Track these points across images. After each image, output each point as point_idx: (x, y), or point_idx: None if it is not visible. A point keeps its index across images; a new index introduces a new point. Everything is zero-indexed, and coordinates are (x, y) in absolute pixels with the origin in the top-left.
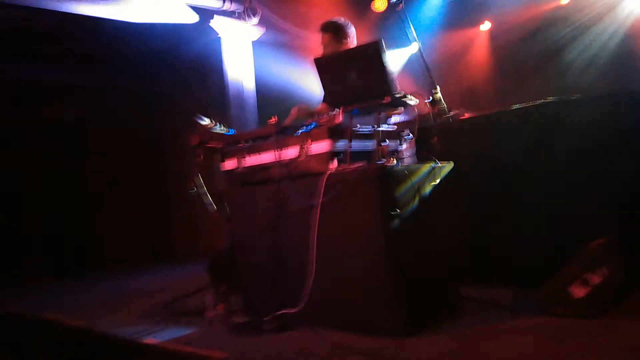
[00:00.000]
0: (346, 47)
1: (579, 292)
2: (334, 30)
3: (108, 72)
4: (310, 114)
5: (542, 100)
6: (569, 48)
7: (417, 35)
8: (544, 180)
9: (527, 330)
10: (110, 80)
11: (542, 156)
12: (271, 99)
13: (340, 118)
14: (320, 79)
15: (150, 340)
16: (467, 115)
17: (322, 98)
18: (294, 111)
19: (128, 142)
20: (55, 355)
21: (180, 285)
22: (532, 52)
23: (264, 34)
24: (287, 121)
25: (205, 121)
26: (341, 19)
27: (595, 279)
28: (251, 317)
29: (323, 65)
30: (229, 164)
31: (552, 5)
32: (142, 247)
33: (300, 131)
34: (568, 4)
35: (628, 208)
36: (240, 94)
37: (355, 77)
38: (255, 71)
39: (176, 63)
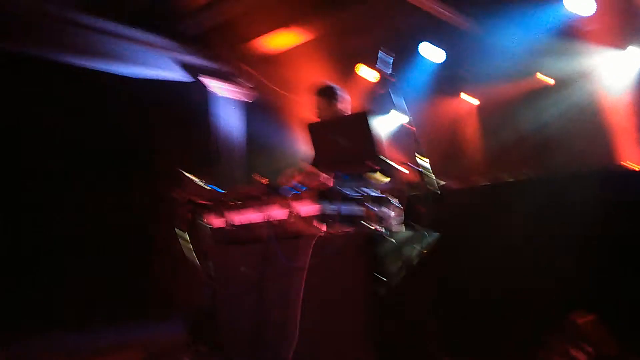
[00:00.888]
0: (340, 111)
1: None
2: (328, 94)
3: (95, 122)
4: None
5: (533, 175)
6: (550, 124)
7: (405, 105)
8: (532, 251)
9: None
10: (95, 130)
11: (532, 228)
12: (261, 158)
13: (330, 182)
14: (312, 144)
15: None
16: (456, 186)
17: (311, 161)
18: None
19: (108, 194)
20: None
21: (158, 342)
22: (515, 127)
23: (255, 94)
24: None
25: (195, 178)
26: (333, 84)
27: (582, 356)
28: None
29: (315, 131)
30: (217, 222)
31: (539, 84)
32: (116, 300)
33: (290, 193)
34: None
35: (616, 284)
36: (229, 153)
37: (345, 143)
38: (245, 130)
39: (165, 118)
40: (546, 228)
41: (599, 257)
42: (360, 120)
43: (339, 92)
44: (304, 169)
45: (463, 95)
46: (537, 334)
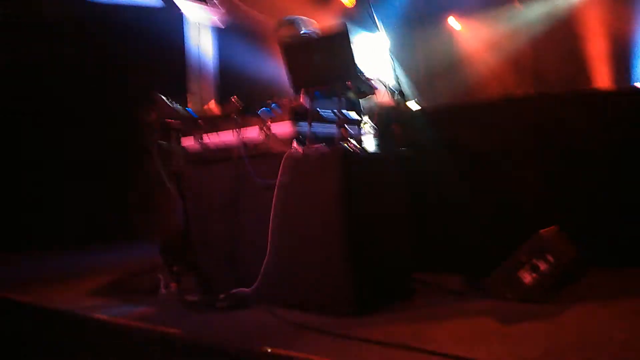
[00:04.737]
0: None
1: (527, 277)
2: (296, 25)
3: (63, 42)
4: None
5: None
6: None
7: (382, 25)
8: (500, 169)
9: (477, 314)
10: (65, 50)
11: (500, 147)
12: (231, 82)
13: (305, 102)
14: (286, 63)
15: (104, 316)
16: (426, 106)
17: (287, 82)
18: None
19: (81, 115)
20: (5, 331)
21: (132, 264)
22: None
23: (226, 18)
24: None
25: (166, 99)
26: (294, 16)
27: (543, 265)
28: (205, 296)
29: (288, 49)
30: (187, 142)
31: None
32: (89, 225)
33: (261, 111)
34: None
35: (581, 197)
36: (199, 74)
37: (322, 61)
38: (216, 54)
39: (136, 42)
40: (518, 145)
41: (572, 173)
42: (339, 37)
43: (301, 23)
44: (279, 90)
45: (443, 21)
46: (506, 248)
